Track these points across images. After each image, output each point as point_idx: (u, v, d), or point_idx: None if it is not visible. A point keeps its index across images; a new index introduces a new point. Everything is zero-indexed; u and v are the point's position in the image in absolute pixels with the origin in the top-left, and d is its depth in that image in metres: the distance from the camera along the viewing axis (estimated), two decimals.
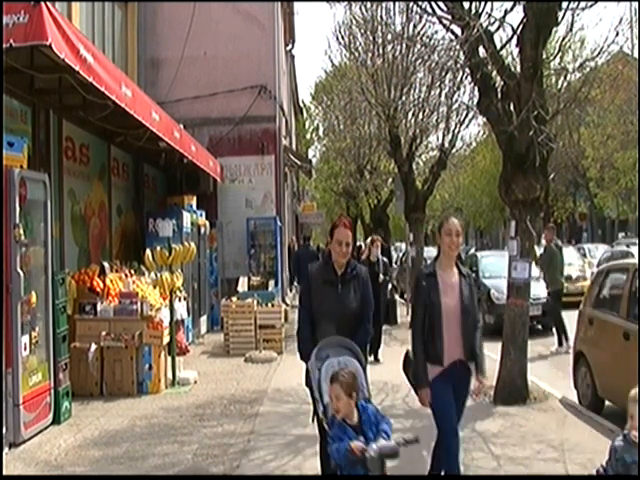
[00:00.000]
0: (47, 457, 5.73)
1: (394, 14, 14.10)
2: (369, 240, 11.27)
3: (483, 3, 7.76)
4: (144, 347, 8.08)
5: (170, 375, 8.47)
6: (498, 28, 7.77)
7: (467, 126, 25.94)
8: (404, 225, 15.96)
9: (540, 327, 12.57)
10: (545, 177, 7.55)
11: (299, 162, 19.18)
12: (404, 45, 13.47)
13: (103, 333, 7.98)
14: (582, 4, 7.20)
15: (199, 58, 15.23)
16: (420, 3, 8.58)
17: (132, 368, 8.03)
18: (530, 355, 7.55)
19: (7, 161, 5.96)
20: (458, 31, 7.75)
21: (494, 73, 7.83)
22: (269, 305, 11.24)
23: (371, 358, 9.50)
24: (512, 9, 7.58)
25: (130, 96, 7.48)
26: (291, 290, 18.03)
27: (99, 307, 8.21)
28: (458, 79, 13.52)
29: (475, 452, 5.56)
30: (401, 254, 23.58)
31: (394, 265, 20.12)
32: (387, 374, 8.87)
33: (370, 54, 14.68)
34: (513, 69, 7.71)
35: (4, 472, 5.24)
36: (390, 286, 12.71)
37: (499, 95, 7.68)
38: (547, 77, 9.05)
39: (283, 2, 18.09)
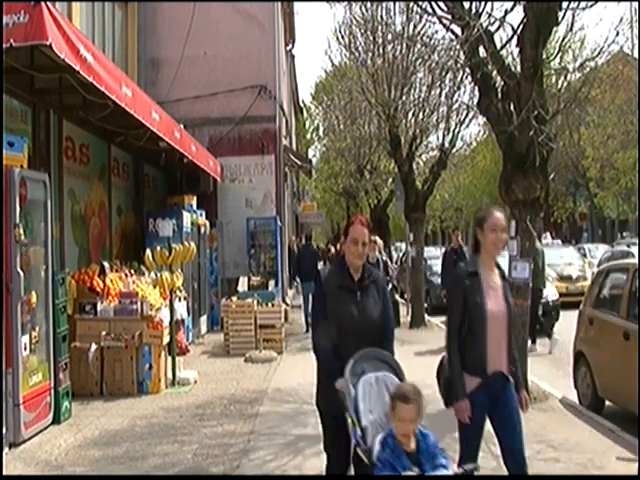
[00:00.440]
0: (47, 457, 5.73)
1: (394, 14, 14.09)
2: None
3: (483, 3, 7.76)
4: (144, 347, 8.08)
5: (170, 375, 8.47)
6: (498, 28, 7.77)
7: (467, 126, 25.88)
8: (404, 225, 15.95)
9: (540, 327, 12.55)
10: (545, 177, 7.55)
11: (299, 162, 19.19)
12: (404, 45, 13.47)
13: (103, 333, 7.98)
14: (582, 4, 7.21)
15: (199, 58, 15.23)
16: (420, 3, 8.59)
17: (132, 368, 8.03)
18: (530, 355, 7.55)
19: (7, 161, 5.96)
20: (458, 31, 7.75)
21: (494, 73, 7.83)
22: (269, 305, 11.24)
23: None
24: (512, 9, 7.58)
25: (130, 96, 7.48)
26: (291, 289, 18.03)
27: (99, 307, 8.21)
28: (458, 79, 13.52)
29: None
30: (401, 254, 23.58)
31: (394, 265, 20.13)
32: None
33: (370, 54, 14.68)
34: (513, 69, 7.71)
35: (4, 472, 5.24)
36: (390, 286, 12.65)
37: (499, 95, 7.68)
38: (547, 77, 9.06)
39: (283, 2, 18.09)
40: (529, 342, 10.81)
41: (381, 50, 14.30)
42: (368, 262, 10.41)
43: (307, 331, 13.53)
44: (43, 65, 6.71)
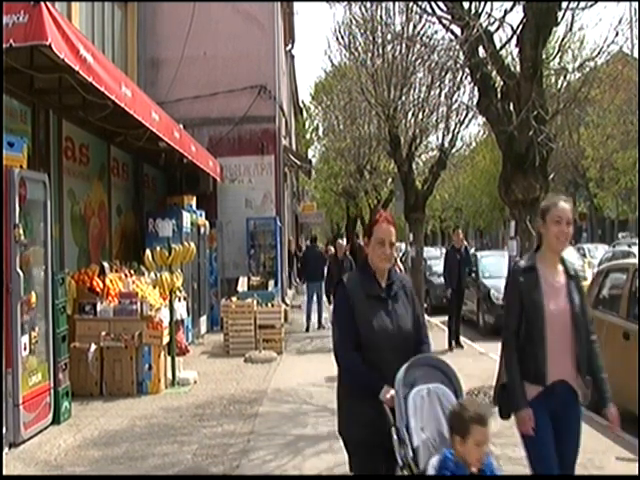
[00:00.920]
0: (47, 457, 5.73)
1: (394, 14, 14.09)
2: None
3: (483, 3, 7.76)
4: (144, 347, 8.08)
5: (170, 375, 8.47)
6: (498, 28, 7.77)
7: (467, 126, 25.99)
8: (404, 225, 15.95)
9: None
10: (545, 177, 7.55)
11: (299, 162, 19.19)
12: (404, 45, 13.46)
13: (103, 333, 7.98)
14: (582, 4, 7.21)
15: (199, 58, 15.23)
16: (420, 3, 8.58)
17: (132, 368, 8.02)
18: None
19: (7, 161, 5.96)
20: (458, 31, 7.75)
21: (494, 73, 7.83)
22: (269, 305, 11.24)
23: None
24: (512, 9, 7.58)
25: (130, 96, 7.48)
26: (291, 289, 18.04)
27: (99, 307, 8.21)
28: (458, 79, 13.51)
29: None
30: (401, 254, 23.59)
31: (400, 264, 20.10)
32: None
33: (370, 54, 14.67)
34: (513, 69, 7.71)
35: (4, 472, 5.24)
36: None
37: (499, 95, 7.68)
38: (547, 77, 9.05)
39: (283, 2, 18.09)
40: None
41: (381, 50, 14.30)
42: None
43: (307, 329, 13.53)
44: (43, 65, 6.71)
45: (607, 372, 6.72)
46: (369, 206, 23.89)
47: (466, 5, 7.59)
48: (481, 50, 7.66)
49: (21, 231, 5.94)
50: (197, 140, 12.55)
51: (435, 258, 18.81)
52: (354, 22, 15.22)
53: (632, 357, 5.95)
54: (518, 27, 7.13)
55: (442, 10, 7.74)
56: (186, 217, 11.75)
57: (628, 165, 25.27)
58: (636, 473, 5.00)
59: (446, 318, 11.20)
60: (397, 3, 13.26)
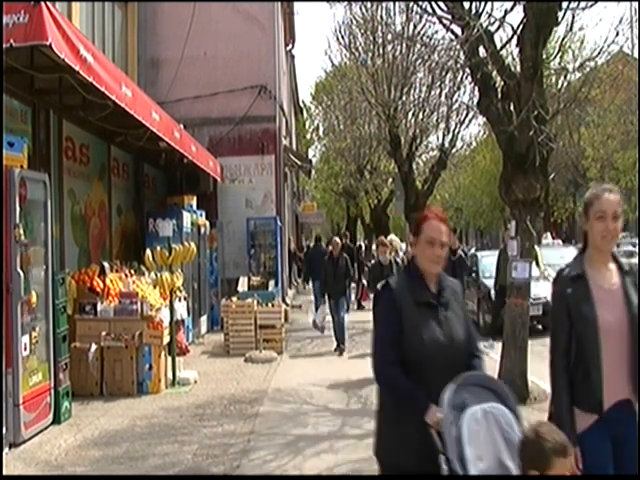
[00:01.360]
0: (47, 457, 5.73)
1: (394, 14, 14.13)
2: (374, 243, 10.88)
3: (483, 3, 7.76)
4: (144, 347, 8.08)
5: (170, 375, 8.47)
6: (498, 28, 7.78)
7: (467, 126, 25.99)
8: (404, 225, 15.95)
9: (540, 327, 12.56)
10: (545, 177, 7.55)
11: (299, 162, 19.19)
12: (404, 45, 13.49)
13: (103, 333, 7.98)
14: (582, 4, 7.21)
15: (199, 58, 15.23)
16: (420, 3, 8.59)
17: (132, 368, 8.02)
18: (530, 355, 7.54)
19: (7, 161, 5.96)
20: (458, 31, 7.75)
21: (494, 73, 7.83)
22: (269, 305, 11.24)
23: None
24: (512, 9, 7.59)
25: (130, 96, 7.48)
26: (291, 288, 18.04)
27: (99, 307, 8.21)
28: (458, 79, 13.55)
29: None
30: (401, 254, 23.57)
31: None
32: None
33: (370, 54, 14.70)
34: (513, 69, 7.71)
35: (4, 472, 5.24)
36: None
37: (499, 95, 7.68)
38: (547, 77, 9.06)
39: (283, 2, 18.09)
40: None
41: (381, 50, 14.32)
42: (380, 265, 9.24)
43: (322, 330, 12.97)
44: (43, 65, 6.71)
45: None
46: (369, 206, 23.90)
47: (466, 5, 7.59)
48: (481, 50, 7.66)
49: (21, 231, 5.94)
50: (197, 140, 12.55)
51: None
52: (354, 22, 15.26)
53: None
54: (518, 27, 7.14)
55: (442, 10, 7.74)
56: (186, 217, 11.75)
57: (628, 165, 25.26)
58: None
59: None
60: (397, 3, 13.27)
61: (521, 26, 7.07)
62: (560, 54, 10.38)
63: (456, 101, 14.20)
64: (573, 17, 7.39)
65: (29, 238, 6.21)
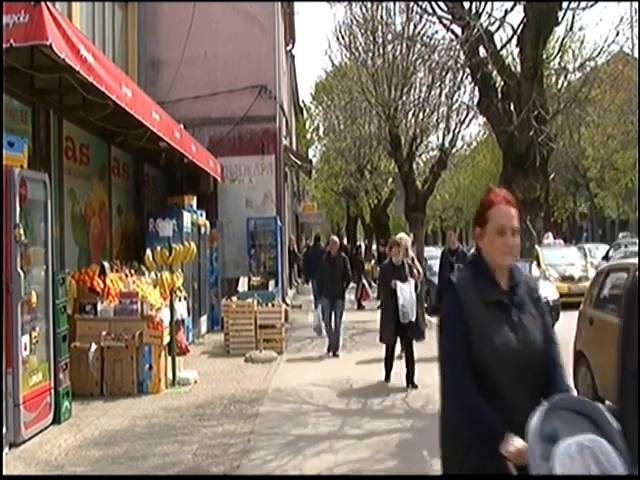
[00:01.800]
0: (47, 457, 5.73)
1: (394, 14, 14.13)
2: (389, 243, 9.45)
3: (483, 3, 7.77)
4: (144, 347, 8.08)
5: (170, 375, 8.47)
6: (498, 28, 7.80)
7: (467, 126, 25.96)
8: (404, 225, 15.95)
9: None
10: (545, 177, 7.56)
11: (299, 162, 19.19)
12: (404, 45, 13.49)
13: (103, 333, 7.98)
14: (582, 4, 7.22)
15: (199, 58, 15.23)
16: (420, 3, 8.59)
17: (132, 368, 8.02)
18: None
19: (7, 161, 5.96)
20: (458, 31, 7.76)
21: (494, 73, 7.84)
22: (269, 305, 11.24)
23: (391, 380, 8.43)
24: (512, 9, 7.60)
25: (130, 96, 7.48)
26: (291, 288, 18.05)
27: (99, 307, 8.21)
28: (458, 79, 13.55)
29: None
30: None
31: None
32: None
33: (370, 54, 14.71)
34: (513, 69, 7.72)
35: (4, 472, 5.24)
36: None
37: (499, 95, 7.69)
38: (547, 77, 9.07)
39: (283, 2, 18.09)
40: None
41: (381, 50, 14.33)
42: (392, 265, 8.56)
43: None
44: (43, 65, 6.71)
45: (607, 372, 6.71)
46: (369, 206, 23.93)
47: (466, 5, 7.60)
48: (482, 50, 7.67)
49: (21, 231, 5.94)
50: (197, 140, 12.55)
51: (435, 258, 18.73)
52: (355, 22, 15.27)
53: None
54: (519, 27, 7.15)
55: (443, 10, 7.76)
56: (186, 217, 11.75)
57: (628, 165, 25.28)
58: (636, 473, 4.99)
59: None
60: (397, 3, 13.27)
61: (521, 26, 7.08)
62: (560, 54, 10.39)
63: (456, 101, 14.21)
64: (573, 17, 7.41)
65: (29, 238, 6.21)
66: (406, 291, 8.25)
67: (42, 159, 8.16)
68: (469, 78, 10.27)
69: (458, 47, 8.68)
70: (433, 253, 23.33)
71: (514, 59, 9.90)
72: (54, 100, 8.54)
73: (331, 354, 10.41)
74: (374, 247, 27.12)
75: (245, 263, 15.17)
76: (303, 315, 15.60)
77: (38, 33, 5.31)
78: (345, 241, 35.37)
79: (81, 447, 6.01)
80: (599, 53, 8.63)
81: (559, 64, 11.82)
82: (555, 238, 24.04)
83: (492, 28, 7.67)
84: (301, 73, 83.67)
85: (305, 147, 29.97)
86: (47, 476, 5.33)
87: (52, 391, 6.52)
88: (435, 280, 16.43)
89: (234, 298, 11.59)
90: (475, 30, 6.95)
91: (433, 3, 7.84)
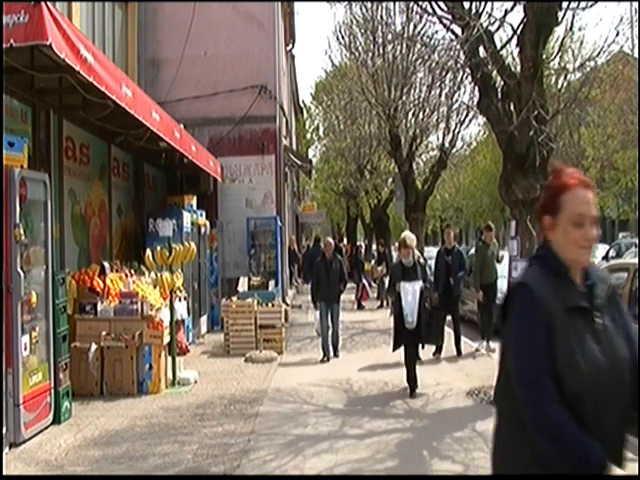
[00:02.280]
0: (47, 457, 5.73)
1: (394, 14, 14.14)
2: (397, 243, 9.04)
3: (483, 3, 7.77)
4: (144, 347, 8.08)
5: (170, 375, 8.47)
6: (498, 28, 7.80)
7: (467, 126, 25.96)
8: (404, 225, 15.96)
9: None
10: (545, 177, 7.54)
11: (299, 162, 19.19)
12: (404, 45, 13.50)
13: (103, 333, 7.98)
14: (582, 4, 7.22)
15: (199, 58, 15.24)
16: (420, 3, 8.60)
17: (132, 368, 8.03)
18: None
19: (7, 161, 5.97)
20: (458, 31, 7.76)
21: (494, 73, 7.84)
22: (269, 305, 11.24)
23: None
24: (512, 9, 7.60)
25: (130, 96, 7.48)
26: (291, 288, 18.05)
27: (99, 307, 8.22)
28: (458, 79, 13.56)
29: (475, 452, 5.55)
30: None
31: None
32: (387, 375, 8.88)
33: (370, 54, 14.71)
34: (513, 69, 7.73)
35: (4, 472, 5.24)
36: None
37: (499, 95, 7.70)
38: (547, 77, 9.07)
39: (283, 2, 18.09)
40: (483, 344, 10.52)
41: (381, 50, 14.34)
42: (402, 266, 8.03)
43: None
44: (43, 65, 6.71)
45: None
46: (369, 206, 23.93)
47: (467, 5, 7.60)
48: (481, 50, 7.67)
49: (21, 231, 5.94)
50: (198, 140, 12.55)
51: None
52: (355, 22, 15.27)
53: None
54: (519, 27, 7.15)
55: (443, 10, 7.76)
56: (186, 217, 11.75)
57: (629, 165, 25.25)
58: (636, 473, 4.99)
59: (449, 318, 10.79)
60: (397, 3, 13.28)
61: (521, 26, 7.08)
62: (560, 54, 10.39)
63: (456, 101, 14.22)
64: (573, 17, 7.41)
65: (29, 238, 6.21)
66: (409, 292, 7.82)
67: (42, 159, 8.16)
68: (469, 78, 10.27)
69: (458, 47, 8.68)
70: (433, 253, 23.35)
71: (514, 59, 9.91)
72: (54, 100, 8.54)
73: (326, 359, 10.07)
74: (374, 247, 27.12)
75: (245, 263, 15.17)
76: (303, 315, 15.60)
77: (38, 33, 5.31)
78: (345, 241, 35.41)
79: (81, 447, 6.01)
80: (599, 53, 8.64)
81: (559, 64, 11.82)
82: None
83: (492, 28, 7.67)
84: (301, 73, 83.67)
85: (305, 147, 29.98)
86: (47, 476, 5.33)
87: (52, 391, 6.52)
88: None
89: (234, 298, 11.59)
90: (475, 30, 6.95)
91: (433, 3, 7.84)
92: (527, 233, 7.40)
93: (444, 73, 13.30)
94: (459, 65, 10.24)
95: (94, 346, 7.83)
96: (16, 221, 5.88)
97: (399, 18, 14.05)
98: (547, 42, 7.28)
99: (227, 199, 15.40)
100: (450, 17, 7.64)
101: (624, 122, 25.11)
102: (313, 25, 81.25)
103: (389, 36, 14.07)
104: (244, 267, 15.02)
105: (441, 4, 7.72)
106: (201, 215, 13.16)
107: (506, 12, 7.62)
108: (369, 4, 14.05)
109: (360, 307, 17.52)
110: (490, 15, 7.75)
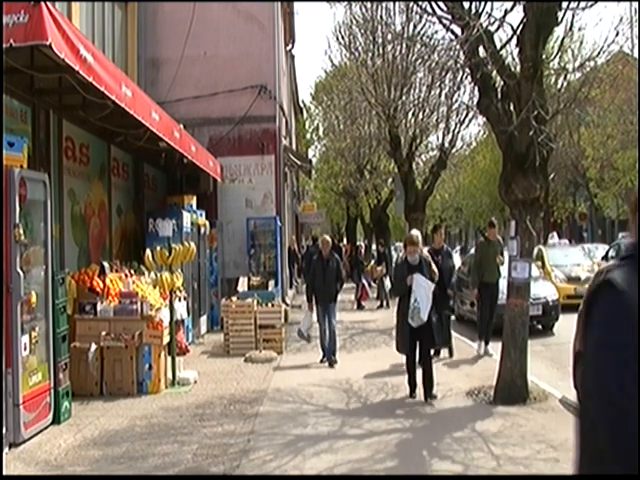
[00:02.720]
0: (47, 457, 5.73)
1: (394, 14, 14.12)
2: (403, 241, 8.82)
3: (483, 3, 7.76)
4: (144, 347, 8.09)
5: (170, 375, 8.47)
6: (498, 28, 7.78)
7: (467, 126, 25.99)
8: (404, 225, 15.95)
9: (540, 327, 12.58)
10: (545, 177, 7.55)
11: (299, 162, 19.19)
12: (404, 45, 13.49)
13: (103, 333, 7.98)
14: (582, 4, 7.21)
15: (199, 58, 15.24)
16: (420, 3, 8.59)
17: (132, 368, 8.03)
18: (530, 355, 7.55)
19: (7, 161, 5.96)
20: (458, 31, 7.75)
21: (494, 73, 7.84)
22: (269, 305, 11.24)
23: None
24: (512, 9, 7.58)
25: (130, 96, 7.48)
26: (291, 288, 18.04)
27: (99, 307, 8.22)
28: (458, 79, 13.54)
29: (475, 452, 5.55)
30: (401, 254, 23.56)
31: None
32: (387, 375, 8.88)
33: (370, 54, 14.70)
34: (513, 69, 7.72)
35: (4, 472, 5.24)
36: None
37: (499, 95, 7.69)
38: (547, 77, 9.06)
39: (283, 2, 18.10)
40: (482, 345, 10.27)
41: (381, 50, 14.33)
42: (408, 264, 7.80)
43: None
44: (43, 65, 6.71)
45: None
46: (369, 206, 23.91)
47: (466, 5, 7.59)
48: (481, 50, 7.67)
49: (21, 231, 5.94)
50: (197, 140, 12.55)
51: None
52: (354, 22, 15.25)
53: None
54: (518, 27, 7.14)
55: (442, 10, 7.75)
56: (186, 217, 11.75)
57: (628, 165, 25.25)
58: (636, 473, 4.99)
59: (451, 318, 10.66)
60: (397, 3, 13.27)
61: (521, 26, 7.08)
62: (560, 54, 10.38)
63: (456, 101, 14.20)
64: (573, 17, 7.39)
65: (29, 238, 6.22)
66: (422, 287, 7.44)
67: (42, 159, 8.16)
68: (469, 78, 10.26)
69: (458, 47, 8.67)
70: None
71: (514, 59, 9.89)
72: (54, 100, 8.54)
73: (327, 363, 9.86)
74: (374, 247, 27.12)
75: (245, 263, 15.17)
76: (303, 315, 15.58)
77: (38, 33, 5.32)
78: (345, 241, 35.39)
79: (81, 447, 6.01)
80: (599, 53, 8.62)
81: (559, 64, 11.82)
82: (560, 238, 23.98)
83: (492, 28, 7.66)
84: (301, 73, 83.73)
85: (305, 147, 29.98)
86: (47, 476, 5.33)
87: (52, 391, 6.53)
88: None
89: (234, 298, 11.59)
90: (475, 30, 6.94)
91: (433, 3, 7.83)
92: (527, 233, 7.39)
93: (444, 73, 13.28)
94: (459, 65, 10.23)
95: (94, 346, 7.84)
96: (16, 221, 5.88)
97: (399, 18, 14.05)
98: (547, 42, 7.28)
99: (227, 199, 15.41)
100: (450, 17, 7.63)
101: (624, 122, 25.12)
102: (313, 25, 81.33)
103: (389, 36, 14.06)
104: (244, 267, 15.02)
105: (441, 4, 7.71)
106: (201, 215, 13.16)
107: (506, 12, 7.61)
108: (369, 4, 14.04)
109: (360, 307, 17.52)
110: (490, 15, 7.74)
